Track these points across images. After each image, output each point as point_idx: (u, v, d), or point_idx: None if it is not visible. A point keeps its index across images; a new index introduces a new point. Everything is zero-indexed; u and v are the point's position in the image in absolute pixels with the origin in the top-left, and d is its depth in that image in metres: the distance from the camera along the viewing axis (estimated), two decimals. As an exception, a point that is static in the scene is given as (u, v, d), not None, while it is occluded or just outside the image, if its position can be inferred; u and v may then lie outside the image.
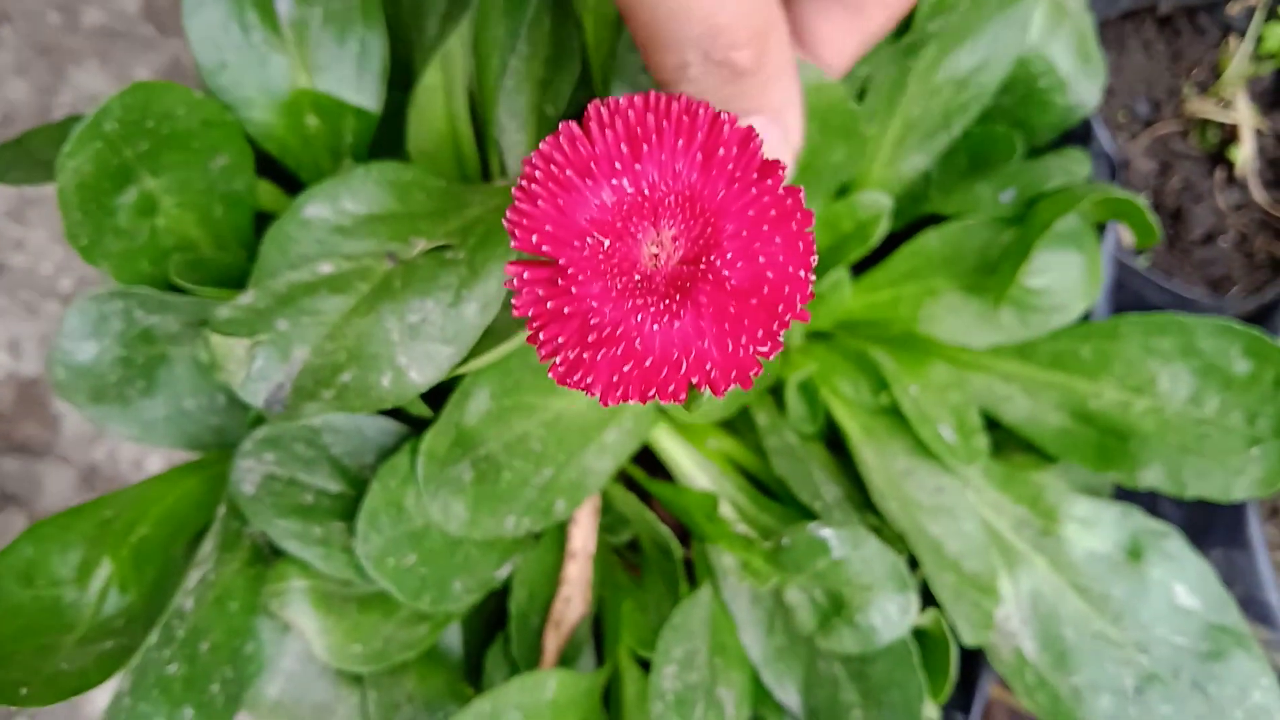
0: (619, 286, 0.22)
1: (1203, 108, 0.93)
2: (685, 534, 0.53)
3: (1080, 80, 0.54)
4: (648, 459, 0.55)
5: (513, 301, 0.22)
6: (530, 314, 0.22)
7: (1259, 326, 0.72)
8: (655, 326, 0.22)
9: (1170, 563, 0.53)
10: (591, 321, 0.22)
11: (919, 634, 0.48)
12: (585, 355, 0.22)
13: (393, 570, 0.39)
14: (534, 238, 0.22)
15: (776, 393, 0.56)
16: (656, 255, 0.23)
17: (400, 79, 0.46)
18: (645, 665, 0.54)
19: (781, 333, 0.22)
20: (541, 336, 0.22)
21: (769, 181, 0.22)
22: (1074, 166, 0.52)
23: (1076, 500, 0.54)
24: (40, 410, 0.79)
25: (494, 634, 0.49)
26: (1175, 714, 0.51)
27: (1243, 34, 0.92)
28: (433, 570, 0.41)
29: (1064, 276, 0.52)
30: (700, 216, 0.22)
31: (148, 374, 0.43)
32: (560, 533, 0.49)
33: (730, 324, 0.22)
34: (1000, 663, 0.53)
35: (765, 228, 0.22)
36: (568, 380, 0.22)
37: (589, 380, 0.22)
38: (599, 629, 0.53)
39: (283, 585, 0.40)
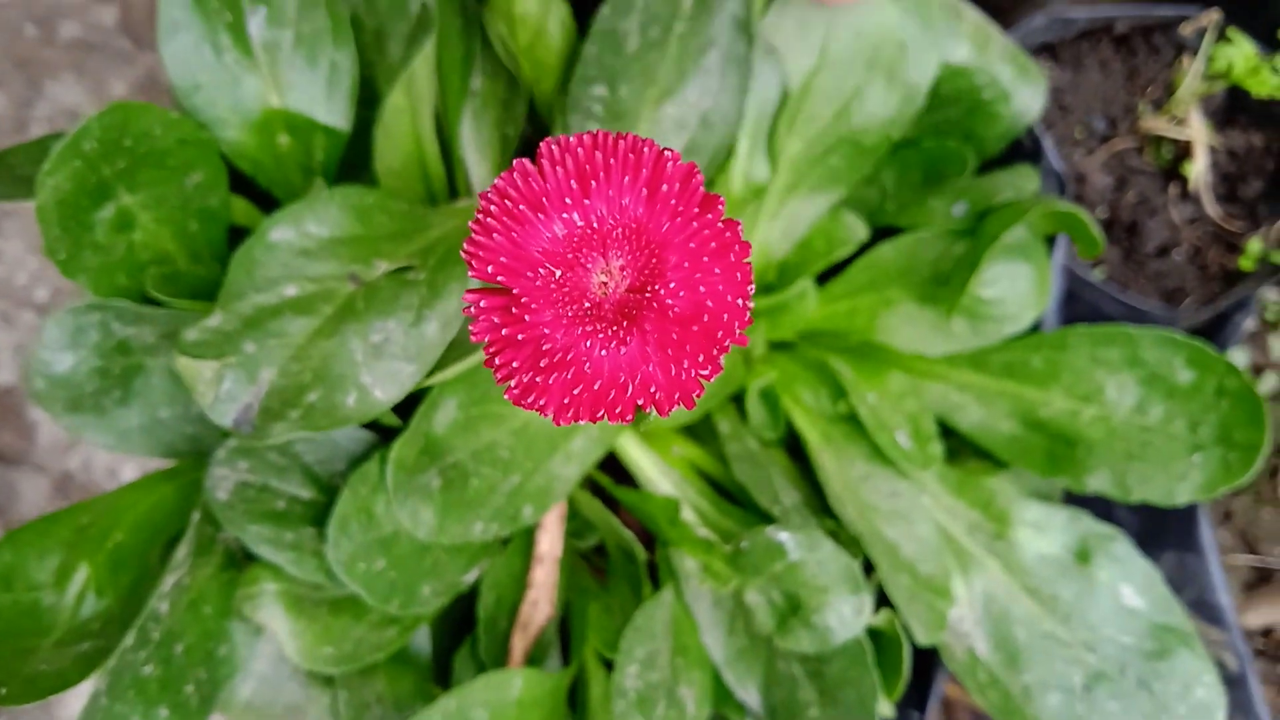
0: (570, 314, 0.24)
1: (1157, 125, 0.95)
2: (649, 539, 0.55)
3: (1021, 89, 0.56)
4: (614, 466, 0.57)
5: (470, 328, 0.24)
6: (487, 340, 0.24)
7: (1212, 336, 0.74)
8: (604, 351, 0.24)
9: (1117, 565, 0.55)
10: (544, 347, 0.23)
11: (874, 634, 0.50)
12: (539, 379, 0.24)
13: (363, 575, 0.41)
14: (489, 268, 0.24)
15: (739, 400, 0.58)
16: (605, 284, 0.24)
17: (366, 97, 0.47)
18: (610, 666, 0.55)
19: (721, 356, 0.24)
20: (497, 361, 0.24)
21: (709, 215, 0.24)
22: (1023, 181, 0.54)
23: (1028, 505, 0.56)
24: (15, 419, 0.80)
25: (462, 637, 0.51)
26: (1122, 711, 0.53)
27: (1195, 53, 0.94)
28: (402, 575, 0.42)
29: (1014, 287, 0.54)
30: (646, 248, 0.24)
31: (124, 384, 0.44)
32: (527, 538, 0.51)
33: (674, 349, 0.24)
34: (954, 662, 0.54)
35: (706, 259, 0.24)
36: (522, 402, 0.24)
37: (542, 402, 0.24)
38: (565, 631, 0.54)
39: (255, 589, 0.41)
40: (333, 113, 0.44)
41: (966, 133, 0.57)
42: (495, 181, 0.23)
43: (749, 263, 0.23)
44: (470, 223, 0.23)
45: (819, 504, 0.55)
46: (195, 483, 0.42)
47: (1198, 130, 0.95)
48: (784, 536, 0.48)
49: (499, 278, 0.23)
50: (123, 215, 0.40)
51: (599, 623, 0.54)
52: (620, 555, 0.54)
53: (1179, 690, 0.52)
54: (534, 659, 0.50)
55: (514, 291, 0.23)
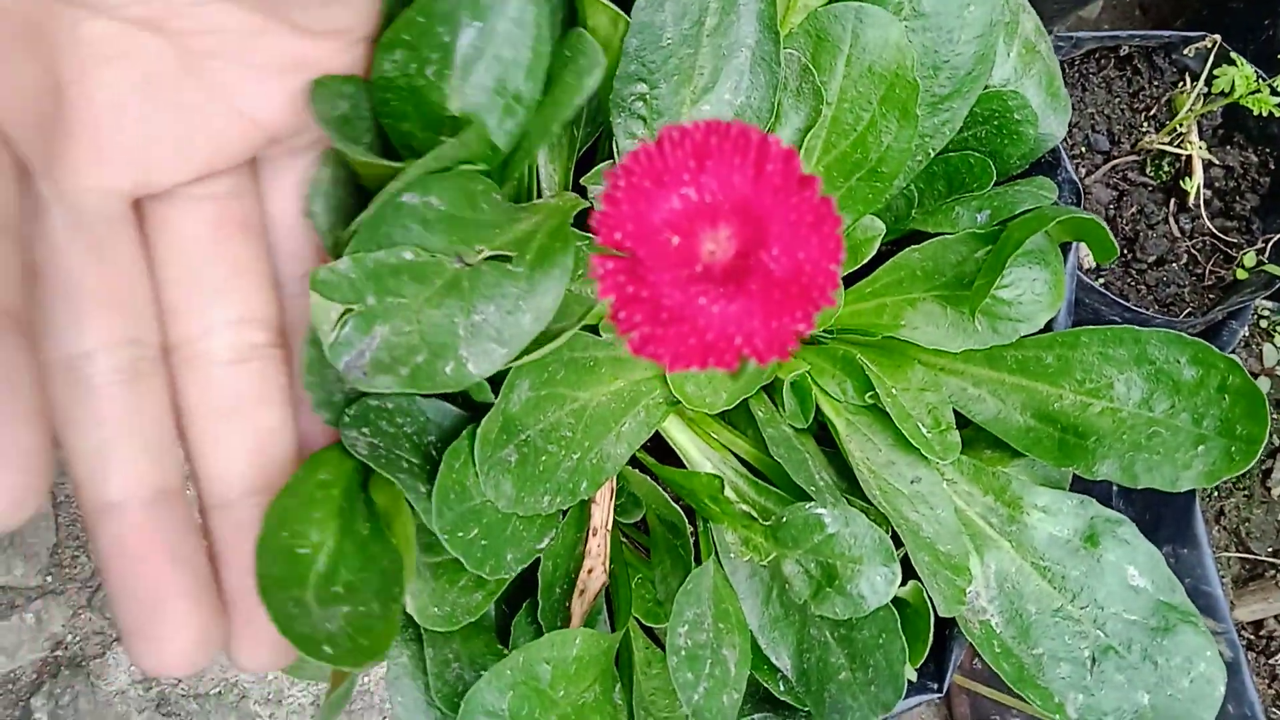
0: (684, 275, 0.28)
1: (1158, 142, 1.00)
2: (689, 517, 0.59)
3: (1049, 115, 0.61)
4: (658, 449, 0.61)
5: (597, 286, 0.28)
6: (613, 298, 0.28)
7: (1208, 343, 0.78)
8: (714, 309, 0.28)
9: (1123, 547, 0.59)
10: (663, 303, 0.27)
11: (900, 605, 0.54)
12: (658, 331, 0.28)
13: (462, 542, 0.44)
14: (617, 234, 0.28)
15: (772, 391, 0.62)
16: (713, 251, 0.28)
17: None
18: (649, 633, 0.59)
19: (814, 314, 0.28)
20: (621, 316, 0.28)
21: (807, 192, 0.28)
22: (1042, 192, 0.58)
23: (1040, 491, 0.61)
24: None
25: (517, 604, 0.54)
26: (1128, 682, 0.57)
27: (1197, 75, 0.99)
28: (490, 543, 0.46)
29: (1031, 289, 0.58)
30: (751, 219, 0.28)
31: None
32: (581, 512, 0.55)
33: (774, 307, 0.28)
34: (971, 634, 0.58)
35: (803, 230, 0.28)
36: (642, 351, 0.28)
37: (660, 351, 0.28)
38: (610, 600, 0.58)
39: None
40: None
41: (992, 149, 0.61)
42: (623, 160, 0.27)
43: (839, 234, 0.27)
44: (600, 194, 0.28)
45: (847, 486, 0.59)
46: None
47: (1196, 148, 1.00)
48: (822, 511, 0.52)
49: (625, 243, 0.27)
50: None
51: (640, 593, 0.58)
52: (663, 530, 0.58)
53: (1181, 664, 0.56)
54: (587, 623, 0.54)
55: (637, 255, 0.27)
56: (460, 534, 0.46)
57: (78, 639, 0.81)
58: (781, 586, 0.54)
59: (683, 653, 0.49)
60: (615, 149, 0.52)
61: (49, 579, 0.81)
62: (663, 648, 0.59)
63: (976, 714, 1.05)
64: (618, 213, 0.28)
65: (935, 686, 0.61)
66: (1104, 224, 0.54)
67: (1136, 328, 0.59)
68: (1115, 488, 0.87)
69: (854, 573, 0.51)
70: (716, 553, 0.55)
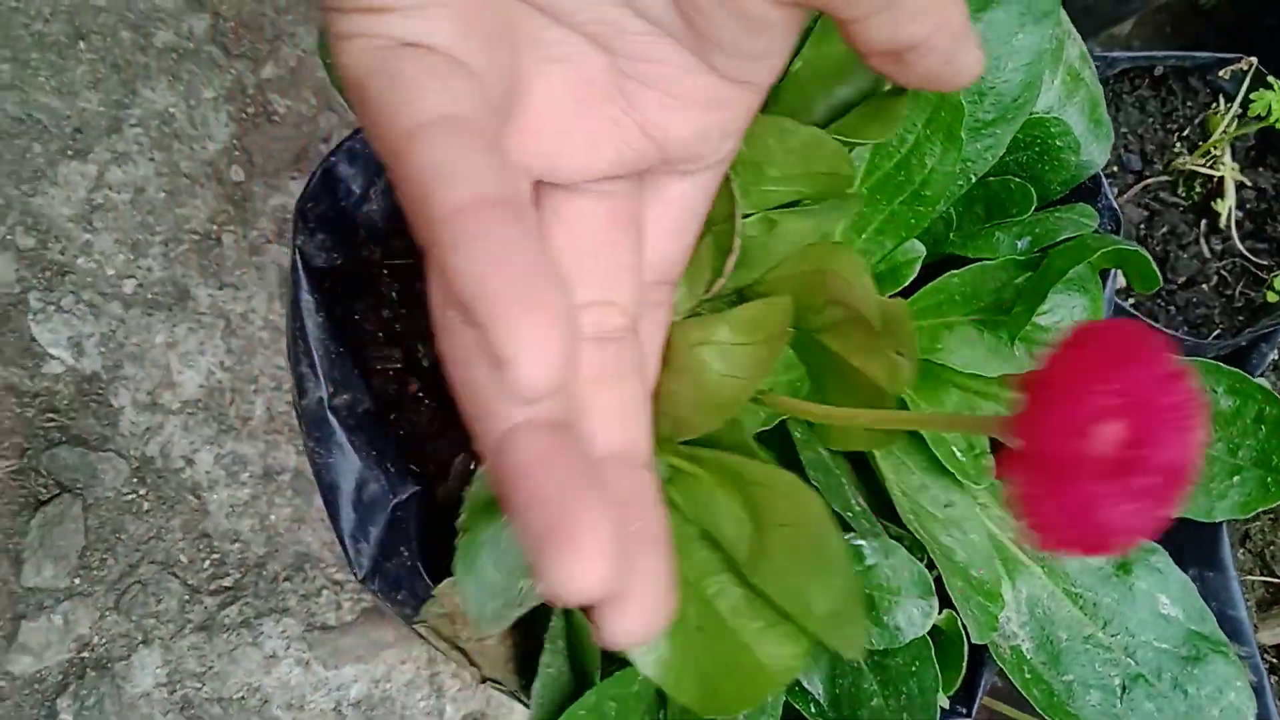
0: (1083, 474, 0.29)
1: (1190, 163, 0.99)
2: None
3: (1091, 142, 0.60)
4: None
5: (1006, 474, 0.29)
6: (1029, 498, 0.29)
7: (1238, 366, 0.78)
8: (1110, 509, 0.29)
9: (1155, 575, 0.59)
10: (1068, 504, 0.29)
11: (934, 632, 0.54)
12: (1061, 534, 0.29)
13: None
14: (1032, 436, 0.29)
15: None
16: (1108, 443, 0.29)
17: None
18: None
19: (1174, 503, 0.29)
20: (1033, 517, 0.29)
21: (1186, 392, 0.29)
22: (1084, 219, 0.58)
23: (1073, 518, 0.60)
24: (98, 405, 0.84)
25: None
26: (1158, 711, 0.57)
27: (1231, 97, 0.99)
28: None
29: (1070, 315, 0.58)
30: (1140, 417, 0.29)
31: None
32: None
33: (1156, 500, 0.29)
34: (1001, 660, 0.58)
35: (1182, 430, 0.29)
36: (1038, 541, 0.30)
37: (1066, 547, 0.30)
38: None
39: None
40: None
41: (1033, 175, 0.61)
42: (1045, 365, 0.29)
43: (1202, 432, 0.29)
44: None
45: (880, 509, 0.59)
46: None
47: (1229, 169, 1.00)
48: (862, 543, 0.52)
49: (1039, 443, 0.29)
50: None
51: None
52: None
53: (1212, 693, 0.56)
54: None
55: (1049, 456, 0.29)
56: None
57: (104, 641, 0.82)
58: None
59: None
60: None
61: (77, 581, 0.81)
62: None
63: (995, 731, 1.04)
64: (1037, 415, 0.29)
65: (964, 711, 0.61)
66: (1148, 255, 0.54)
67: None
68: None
69: (891, 604, 0.51)
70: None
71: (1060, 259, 0.54)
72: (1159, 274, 0.56)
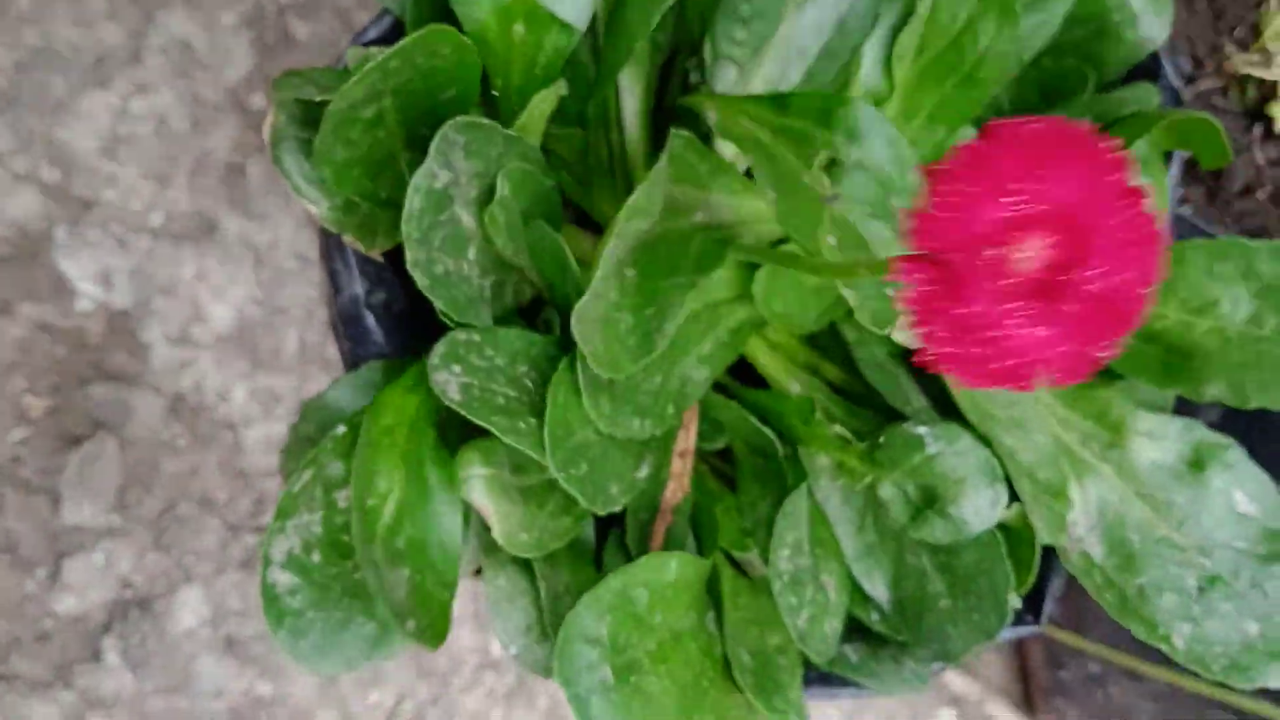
0: (995, 291, 0.26)
1: (1243, 65, 0.96)
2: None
3: (1149, 16, 0.57)
4: (742, 373, 0.59)
5: (899, 294, 0.26)
6: (915, 307, 0.26)
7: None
8: (1023, 330, 0.26)
9: (1230, 472, 0.56)
10: (971, 321, 0.25)
11: (1003, 530, 0.52)
12: (962, 351, 0.26)
13: (576, 479, 0.43)
14: (931, 241, 0.25)
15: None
16: (1028, 262, 0.26)
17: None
18: (734, 564, 0.57)
19: (1122, 339, 0.26)
20: (925, 330, 0.26)
21: (1136, 206, 0.26)
22: (1146, 97, 0.55)
23: (1141, 415, 0.58)
24: (130, 341, 0.82)
25: (608, 532, 0.53)
26: (1235, 611, 0.54)
27: (1287, -10, 0.94)
28: (597, 476, 0.45)
29: (1135, 202, 0.55)
30: (1074, 233, 0.26)
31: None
32: (666, 440, 0.53)
33: (1086, 331, 0.25)
34: (1070, 565, 0.56)
35: (1129, 249, 0.25)
36: (937, 365, 0.26)
37: (963, 371, 0.26)
38: (695, 529, 0.56)
39: (469, 472, 0.43)
40: (573, 6, 0.45)
41: (1087, 54, 0.58)
42: (948, 165, 0.25)
43: (1159, 254, 0.25)
44: (916, 201, 0.25)
45: (941, 410, 0.57)
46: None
47: (1284, 70, 0.96)
48: (922, 430, 0.49)
49: (936, 250, 0.25)
50: (378, 114, 0.42)
51: (727, 521, 0.56)
52: (750, 455, 0.56)
53: (1292, 592, 0.54)
54: (669, 545, 0.52)
55: (950, 266, 0.25)
56: (573, 470, 0.44)
57: (145, 579, 0.81)
58: (876, 512, 0.52)
59: (785, 577, 0.48)
60: (711, 54, 0.49)
61: (116, 519, 0.80)
62: (747, 577, 0.57)
63: (1051, 662, 1.02)
64: (935, 221, 0.25)
65: (1033, 619, 0.59)
66: (1218, 124, 0.51)
67: (1245, 240, 0.56)
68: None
69: (956, 494, 0.49)
70: (809, 479, 0.53)
71: (1122, 132, 0.51)
72: (1230, 149, 0.53)
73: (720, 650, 0.49)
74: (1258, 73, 0.97)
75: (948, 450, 0.49)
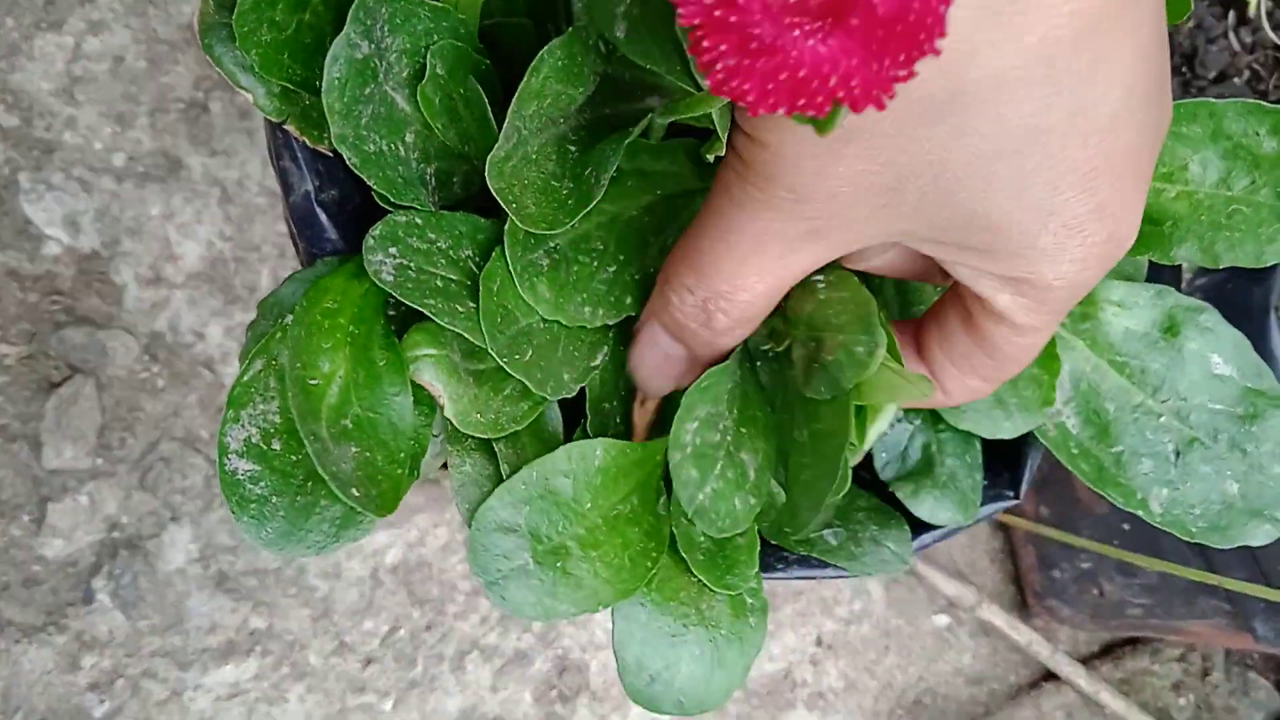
0: (778, 5, 0.24)
1: (1215, -53, 0.94)
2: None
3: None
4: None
5: (679, 10, 0.24)
6: (697, 23, 0.25)
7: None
8: (810, 43, 0.24)
9: (1206, 335, 0.56)
10: (753, 32, 0.24)
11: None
12: (745, 63, 0.24)
13: (521, 365, 0.42)
14: None
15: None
16: None
17: None
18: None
19: (917, 61, 0.24)
20: (705, 44, 0.25)
21: None
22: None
23: (1112, 285, 0.57)
24: (101, 283, 0.82)
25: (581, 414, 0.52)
26: (1214, 473, 0.54)
27: None
28: (546, 363, 0.44)
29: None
30: None
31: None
32: (628, 327, 0.52)
33: (876, 47, 0.24)
34: (1046, 438, 0.56)
35: None
36: (724, 87, 0.25)
37: (745, 87, 0.25)
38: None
39: (416, 353, 0.43)
40: None
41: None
42: None
43: None
44: None
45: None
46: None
47: (1257, -49, 0.94)
48: (818, 277, 0.47)
49: None
50: None
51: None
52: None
53: (1272, 449, 0.53)
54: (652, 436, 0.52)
55: None
56: (517, 356, 0.43)
57: (133, 520, 0.81)
58: (788, 378, 0.50)
59: (688, 449, 0.47)
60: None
61: (99, 461, 0.80)
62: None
63: (1043, 564, 1.02)
64: None
65: (1012, 494, 0.59)
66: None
67: (1212, 100, 0.55)
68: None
69: (835, 343, 0.46)
70: (748, 351, 0.52)
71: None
72: None
73: (669, 530, 0.49)
74: (1230, -45, 0.95)
75: (833, 296, 0.46)
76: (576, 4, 0.47)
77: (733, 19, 0.24)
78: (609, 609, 0.47)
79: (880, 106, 0.24)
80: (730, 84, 0.24)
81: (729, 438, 0.49)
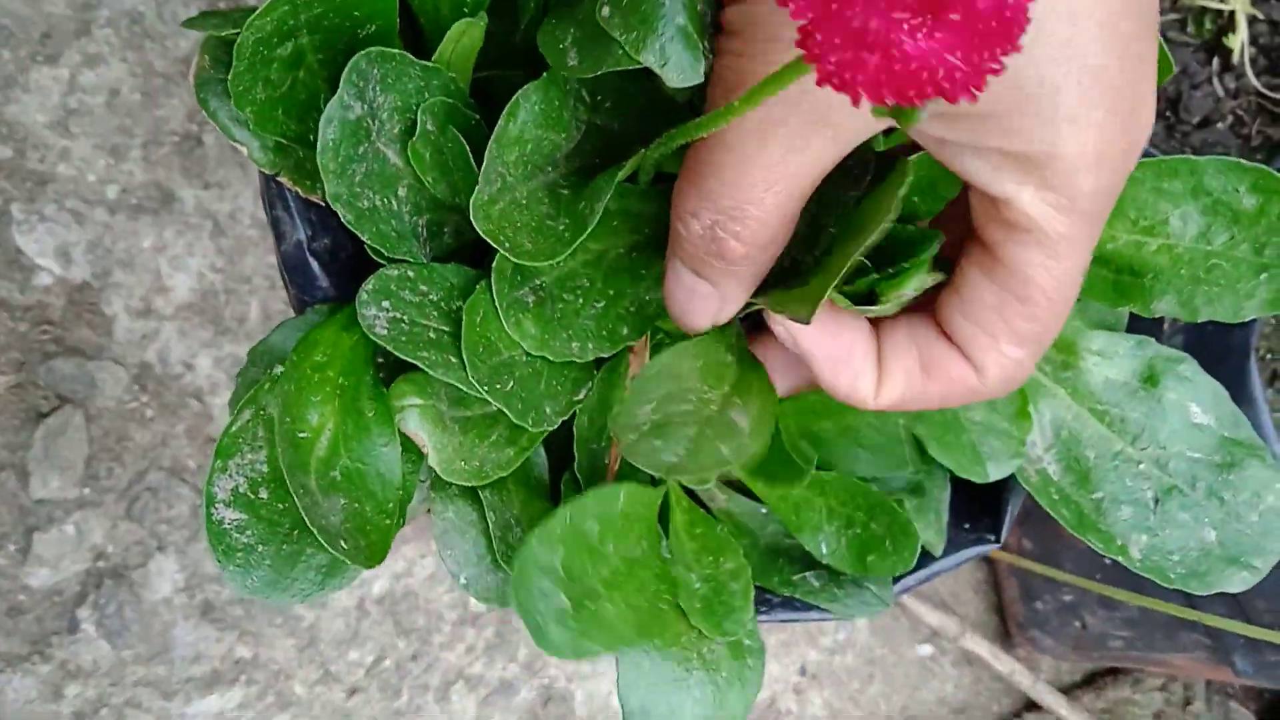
0: (884, 1, 0.25)
1: (1198, -6, 0.95)
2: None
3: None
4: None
5: (790, 5, 0.25)
6: (809, 17, 0.25)
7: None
8: (916, 37, 0.25)
9: (1185, 385, 0.57)
10: (868, 26, 0.25)
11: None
12: (859, 57, 0.25)
13: (501, 394, 0.43)
14: None
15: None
16: None
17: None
18: (690, 494, 0.58)
19: (1007, 55, 0.26)
20: (818, 38, 0.26)
21: None
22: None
23: (1094, 335, 0.58)
24: (91, 315, 0.82)
25: (567, 463, 0.53)
26: (1193, 520, 0.55)
27: (1237, -86, 0.94)
28: (528, 395, 0.45)
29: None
30: None
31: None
32: (620, 365, 0.53)
33: (977, 41, 0.25)
34: (1027, 483, 0.57)
35: None
36: (834, 78, 0.26)
37: (858, 79, 0.26)
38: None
39: (403, 403, 0.43)
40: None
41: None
42: None
43: None
44: None
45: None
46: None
47: (1240, 2, 0.96)
48: None
49: None
50: (297, 53, 0.41)
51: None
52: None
53: (1249, 498, 0.54)
54: (625, 475, 0.52)
55: None
56: (498, 386, 0.44)
57: (119, 549, 0.81)
58: None
59: (646, 426, 0.47)
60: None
61: (86, 491, 0.80)
62: (706, 508, 0.57)
63: (1026, 595, 1.03)
64: None
65: (993, 538, 0.60)
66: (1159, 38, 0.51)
67: (1192, 157, 0.57)
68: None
69: None
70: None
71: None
72: (1171, 61, 0.53)
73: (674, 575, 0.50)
74: (1214, 4, 0.97)
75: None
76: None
77: (848, 13, 0.25)
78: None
79: (973, 99, 0.25)
80: (842, 75, 0.25)
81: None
